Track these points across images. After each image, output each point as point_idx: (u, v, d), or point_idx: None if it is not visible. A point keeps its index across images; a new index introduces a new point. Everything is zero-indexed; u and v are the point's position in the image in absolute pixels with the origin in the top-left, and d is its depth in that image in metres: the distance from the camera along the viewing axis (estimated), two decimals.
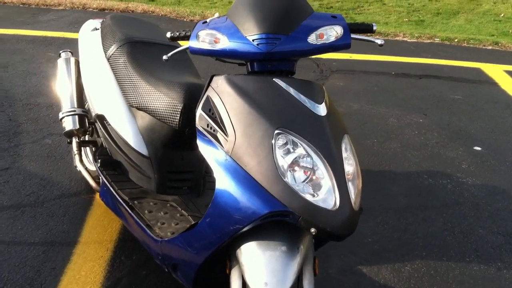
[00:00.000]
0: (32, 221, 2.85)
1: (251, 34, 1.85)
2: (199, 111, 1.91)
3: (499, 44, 7.42)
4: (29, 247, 2.66)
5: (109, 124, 2.60)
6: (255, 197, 1.68)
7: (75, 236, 2.77)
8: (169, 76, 2.53)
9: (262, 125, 1.72)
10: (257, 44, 1.84)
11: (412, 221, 3.12)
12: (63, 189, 3.14)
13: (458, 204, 3.34)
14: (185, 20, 7.54)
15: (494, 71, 6.16)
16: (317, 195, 1.67)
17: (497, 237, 3.04)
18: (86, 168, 2.82)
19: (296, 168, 1.69)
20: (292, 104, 1.78)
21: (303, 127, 1.73)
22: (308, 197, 1.65)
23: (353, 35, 1.97)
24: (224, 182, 1.75)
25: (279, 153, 1.69)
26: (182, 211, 2.39)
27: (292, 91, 1.81)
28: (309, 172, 1.68)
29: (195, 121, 1.91)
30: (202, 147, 1.85)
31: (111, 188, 2.46)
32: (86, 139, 3.00)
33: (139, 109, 2.49)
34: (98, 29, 2.97)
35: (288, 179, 1.66)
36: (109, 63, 2.70)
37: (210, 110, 1.86)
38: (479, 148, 4.13)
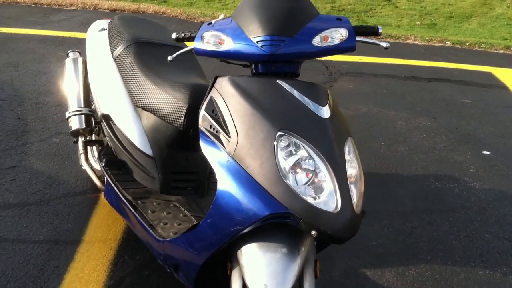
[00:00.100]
0: (37, 219, 2.86)
1: (256, 36, 1.85)
2: (202, 112, 1.91)
3: (511, 48, 7.37)
4: (33, 245, 2.68)
5: (115, 124, 2.61)
6: (256, 199, 1.68)
7: (79, 234, 2.78)
8: (175, 76, 2.54)
9: (265, 126, 1.72)
10: (261, 46, 1.83)
11: (418, 225, 3.11)
12: (69, 188, 3.15)
13: (464, 208, 3.32)
14: (195, 21, 7.54)
15: (505, 75, 6.12)
16: (319, 197, 1.66)
17: (503, 242, 3.02)
18: (91, 167, 2.83)
19: (298, 170, 1.68)
20: (295, 106, 1.78)
21: (306, 129, 1.73)
22: (309, 199, 1.65)
23: (358, 38, 1.97)
24: (225, 183, 1.75)
25: (281, 155, 1.69)
26: (185, 211, 2.39)
27: (295, 93, 1.80)
28: (311, 175, 1.68)
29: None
30: (205, 148, 1.85)
31: (115, 188, 2.47)
32: (93, 138, 3.02)
33: (144, 109, 2.50)
34: (106, 29, 2.98)
35: (290, 181, 1.66)
36: (116, 63, 2.71)
37: (213, 111, 1.86)
38: (487, 152, 4.10)
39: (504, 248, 2.97)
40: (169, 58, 2.15)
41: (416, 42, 7.42)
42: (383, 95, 5.12)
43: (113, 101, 2.64)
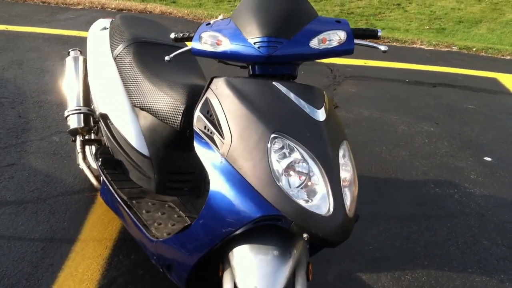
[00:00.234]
0: (33, 217, 2.86)
1: (253, 37, 1.84)
2: (197, 113, 1.91)
3: None
4: (28, 242, 2.68)
5: (112, 123, 2.61)
6: (248, 201, 1.67)
7: (75, 233, 2.78)
8: (174, 77, 2.53)
9: (259, 128, 1.71)
10: (259, 47, 1.83)
11: (415, 230, 3.09)
12: (67, 187, 3.15)
13: (463, 214, 3.30)
14: (202, 22, 7.55)
15: (511, 81, 6.09)
16: (311, 200, 1.66)
17: (501, 248, 3.00)
18: (88, 167, 2.84)
19: (292, 172, 1.68)
20: (290, 108, 1.77)
21: (300, 131, 1.72)
22: (302, 202, 1.64)
23: (356, 41, 1.96)
24: (218, 185, 1.75)
25: (274, 157, 1.68)
26: (180, 212, 2.39)
27: (291, 95, 1.79)
28: (304, 177, 1.67)
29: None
30: (199, 149, 1.85)
31: (110, 187, 2.47)
32: (92, 137, 3.02)
33: (142, 109, 2.50)
34: (107, 28, 2.98)
35: (283, 183, 1.65)
36: (116, 63, 2.71)
37: (208, 112, 1.86)
38: (489, 159, 4.08)
39: (502, 255, 2.95)
40: (167, 58, 2.15)
41: (422, 46, 7.39)
42: (386, 99, 5.11)
43: (111, 100, 2.64)
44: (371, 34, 2.00)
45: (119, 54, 2.69)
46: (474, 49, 7.39)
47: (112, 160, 2.63)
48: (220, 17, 2.12)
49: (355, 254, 2.83)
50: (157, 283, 2.48)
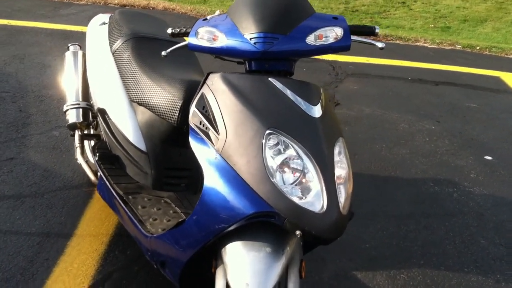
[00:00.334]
0: (30, 212, 2.86)
1: (249, 33, 1.84)
2: (192, 108, 1.91)
3: None
4: (25, 237, 2.68)
5: (110, 118, 2.61)
6: (242, 197, 1.67)
7: (71, 228, 2.78)
8: (172, 72, 2.53)
9: (254, 124, 1.71)
10: (255, 43, 1.82)
11: (413, 229, 3.08)
12: (65, 181, 3.15)
13: (462, 213, 3.29)
14: None
15: None
16: (305, 197, 1.65)
17: (499, 248, 2.99)
18: (86, 161, 2.84)
19: (286, 169, 1.67)
20: (286, 105, 1.76)
21: (295, 128, 1.72)
22: (295, 199, 1.63)
23: (353, 37, 1.95)
24: (212, 180, 1.75)
25: (269, 153, 1.67)
26: (176, 208, 2.38)
27: (287, 91, 1.79)
28: (298, 174, 1.66)
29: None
30: (194, 144, 1.85)
31: (107, 182, 2.46)
32: (91, 132, 3.02)
33: (140, 104, 2.49)
34: (107, 23, 2.98)
35: (277, 180, 1.64)
36: (114, 58, 2.71)
37: (204, 107, 1.85)
38: (490, 158, 4.06)
39: (499, 254, 2.94)
40: (163, 53, 2.15)
41: (426, 44, 7.37)
42: (388, 97, 5.09)
43: (109, 95, 2.64)
44: (369, 31, 2.00)
45: (117, 49, 2.69)
46: (477, 48, 7.36)
47: (109, 155, 2.63)
48: (217, 12, 2.12)
49: (352, 252, 2.83)
50: (152, 279, 2.49)
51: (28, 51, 5.24)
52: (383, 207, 3.26)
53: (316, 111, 1.79)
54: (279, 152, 1.68)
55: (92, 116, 2.92)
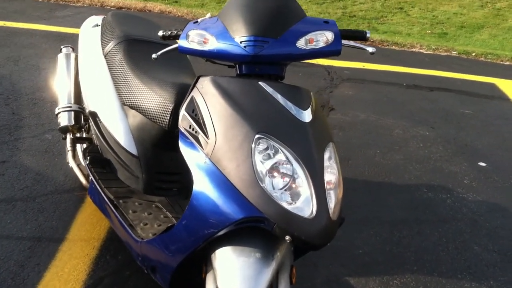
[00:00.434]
0: (22, 216, 2.85)
1: (239, 36, 1.83)
2: (182, 112, 1.90)
3: None
4: (16, 241, 2.66)
5: (101, 121, 2.59)
6: (231, 202, 1.66)
7: (63, 232, 2.77)
8: (164, 75, 2.52)
9: (243, 128, 1.70)
10: (245, 47, 1.82)
11: (406, 235, 3.07)
12: (57, 185, 3.13)
13: (455, 219, 3.28)
14: None
15: (509, 87, 6.07)
16: (295, 203, 1.64)
17: (492, 255, 2.98)
18: (78, 165, 2.82)
19: (276, 174, 1.66)
20: (276, 109, 1.76)
21: (285, 132, 1.71)
22: (285, 204, 1.62)
23: (344, 42, 1.95)
24: (201, 185, 1.74)
25: (258, 158, 1.66)
26: (167, 212, 2.37)
27: (277, 95, 1.78)
28: (288, 179, 1.66)
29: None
30: (183, 148, 1.84)
31: (97, 186, 2.45)
32: (83, 135, 3.01)
33: (131, 107, 2.48)
34: (99, 25, 2.97)
35: (266, 185, 1.64)
36: (106, 60, 2.69)
37: (194, 111, 1.84)
38: (483, 164, 4.06)
39: (492, 261, 2.93)
40: (154, 55, 2.14)
41: (421, 50, 7.37)
42: (382, 103, 5.09)
43: (100, 98, 2.62)
44: (360, 36, 1.99)
45: (109, 51, 2.68)
46: (473, 54, 7.36)
47: (100, 159, 2.62)
48: (208, 15, 2.11)
49: (344, 258, 2.82)
50: (143, 284, 2.47)
51: (22, 53, 5.22)
52: (376, 213, 3.25)
53: (306, 116, 1.78)
54: (269, 157, 1.67)
55: (84, 119, 2.90)
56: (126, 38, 2.72)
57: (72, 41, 5.59)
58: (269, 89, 1.79)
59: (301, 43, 1.86)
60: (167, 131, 2.36)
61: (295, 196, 1.65)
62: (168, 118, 2.30)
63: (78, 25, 6.26)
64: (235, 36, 1.84)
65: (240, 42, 1.82)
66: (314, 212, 1.64)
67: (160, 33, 2.17)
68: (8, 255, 2.57)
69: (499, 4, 10.24)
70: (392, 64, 6.38)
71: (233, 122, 1.72)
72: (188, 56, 2.77)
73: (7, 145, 3.49)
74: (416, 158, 4.03)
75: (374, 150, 4.07)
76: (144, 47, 2.72)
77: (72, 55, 3.07)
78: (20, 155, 3.39)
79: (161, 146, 2.48)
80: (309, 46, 1.87)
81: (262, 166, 1.65)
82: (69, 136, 2.90)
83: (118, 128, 2.52)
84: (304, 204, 1.64)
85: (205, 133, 1.76)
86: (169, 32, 2.15)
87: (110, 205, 2.35)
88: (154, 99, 2.36)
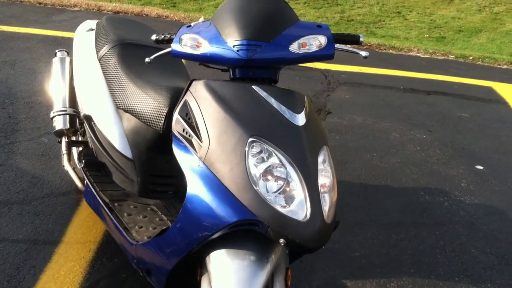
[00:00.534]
0: (18, 219, 2.84)
1: (232, 40, 1.83)
2: (176, 115, 1.90)
3: None
4: (12, 244, 2.65)
5: (96, 125, 2.59)
6: (225, 205, 1.66)
7: (59, 235, 2.76)
8: (158, 79, 2.52)
9: (237, 132, 1.70)
10: (238, 50, 1.81)
11: (403, 237, 3.07)
12: (53, 188, 3.13)
13: (452, 222, 3.28)
14: None
15: (506, 90, 6.08)
16: (289, 206, 1.64)
17: (489, 257, 2.98)
18: (74, 168, 2.81)
19: (269, 177, 1.66)
20: (269, 112, 1.75)
21: (278, 136, 1.71)
22: (279, 207, 1.62)
23: (338, 46, 1.95)
24: (195, 188, 1.73)
25: (252, 161, 1.66)
26: (162, 215, 2.37)
27: (270, 99, 1.78)
28: (282, 182, 1.65)
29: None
30: (177, 152, 1.83)
31: (93, 190, 2.44)
32: (79, 139, 3.00)
33: (125, 111, 2.48)
34: (94, 29, 2.97)
35: (260, 188, 1.63)
36: (100, 64, 2.69)
37: (187, 114, 1.84)
38: (481, 167, 4.06)
39: (490, 264, 2.93)
40: (147, 59, 2.14)
41: (419, 54, 7.38)
42: (379, 107, 5.08)
43: (95, 101, 2.62)
44: (353, 40, 2.00)
45: (104, 55, 2.68)
46: (470, 58, 7.37)
47: (95, 162, 2.62)
48: (201, 19, 2.11)
49: (341, 261, 2.81)
50: (139, 287, 2.46)
51: (19, 57, 5.21)
52: (373, 216, 3.24)
53: (300, 119, 1.78)
54: (262, 160, 1.67)
55: (79, 122, 2.90)
56: (120, 42, 2.71)
57: (68, 45, 5.57)
58: (262, 93, 1.79)
59: (294, 47, 1.86)
60: (162, 135, 2.36)
61: (289, 199, 1.65)
62: (163, 121, 2.30)
63: (74, 30, 6.23)
64: (228, 40, 1.84)
65: (233, 46, 1.82)
66: (308, 215, 1.63)
67: (154, 37, 2.17)
68: (4, 257, 2.56)
69: (497, 8, 10.28)
70: (389, 68, 6.39)
71: (226, 126, 1.72)
72: (183, 60, 2.77)
73: (3, 148, 3.49)
74: (413, 162, 4.02)
75: (371, 154, 4.07)
76: (138, 51, 2.72)
77: (67, 59, 3.06)
78: (16, 159, 3.39)
79: (155, 149, 2.47)
80: (302, 50, 1.87)
81: (256, 170, 1.65)
82: (64, 140, 2.90)
83: (113, 131, 2.51)
84: (298, 207, 1.64)
85: (199, 136, 1.76)
86: (162, 36, 2.15)
87: (105, 208, 2.35)
88: (149, 102, 2.36)
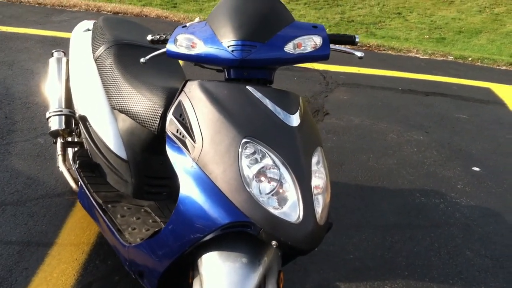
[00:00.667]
0: (11, 220, 2.83)
1: (227, 40, 1.83)
2: (169, 116, 1.89)
3: None
4: (5, 245, 2.65)
5: (91, 125, 2.58)
6: (217, 206, 1.65)
7: (52, 237, 2.75)
8: (154, 79, 2.51)
9: (230, 133, 1.70)
10: (232, 51, 1.81)
11: (398, 239, 3.06)
12: (48, 189, 3.12)
13: (448, 224, 3.27)
14: None
15: (505, 91, 6.06)
16: (281, 207, 1.63)
17: (484, 260, 2.97)
18: (69, 169, 2.81)
19: (263, 178, 1.65)
20: (263, 113, 1.75)
21: (272, 137, 1.70)
22: (271, 209, 1.61)
23: (333, 46, 1.95)
24: (188, 189, 1.73)
25: (245, 162, 1.66)
26: (156, 217, 2.36)
27: (264, 100, 1.78)
28: (275, 184, 1.65)
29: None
30: (170, 152, 1.83)
31: (86, 191, 2.44)
32: (75, 140, 3.00)
33: (121, 111, 2.47)
34: (90, 30, 2.96)
35: (253, 189, 1.63)
36: (96, 64, 2.68)
37: (181, 115, 1.84)
38: (477, 169, 4.05)
39: (484, 266, 2.92)
40: (142, 60, 2.13)
41: (418, 55, 7.36)
42: (377, 107, 5.07)
43: (90, 102, 2.61)
44: (349, 40, 1.99)
45: (100, 55, 2.67)
46: (470, 59, 7.35)
47: (90, 163, 2.61)
48: (197, 19, 2.11)
49: (336, 263, 2.80)
50: None
51: (17, 58, 5.21)
52: (369, 218, 3.24)
53: (294, 120, 1.77)
54: (256, 161, 1.67)
55: (75, 123, 2.89)
56: (116, 42, 2.71)
57: (67, 45, 5.57)
58: (257, 93, 1.79)
59: (289, 48, 1.85)
60: (157, 135, 2.35)
61: (282, 200, 1.64)
62: (158, 122, 2.29)
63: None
64: (222, 40, 1.84)
65: (228, 47, 1.82)
66: (301, 217, 1.63)
67: (149, 37, 2.16)
68: None
69: (497, 9, 10.26)
70: (388, 69, 6.37)
71: (220, 127, 1.72)
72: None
73: None
74: (410, 163, 4.02)
75: (367, 155, 4.06)
76: (134, 51, 2.71)
77: (64, 60, 3.06)
78: (11, 159, 3.38)
79: (150, 150, 2.46)
80: (297, 51, 1.86)
81: (249, 171, 1.65)
82: (59, 140, 2.89)
83: (108, 132, 2.51)
84: (291, 209, 1.64)
85: (192, 137, 1.76)
86: (158, 37, 2.14)
87: (99, 210, 2.34)
88: (144, 103, 2.35)
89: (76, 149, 2.95)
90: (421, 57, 7.30)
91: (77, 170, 2.55)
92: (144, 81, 2.46)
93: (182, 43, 1.94)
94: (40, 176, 3.24)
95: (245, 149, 1.67)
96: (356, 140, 4.30)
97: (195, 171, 1.72)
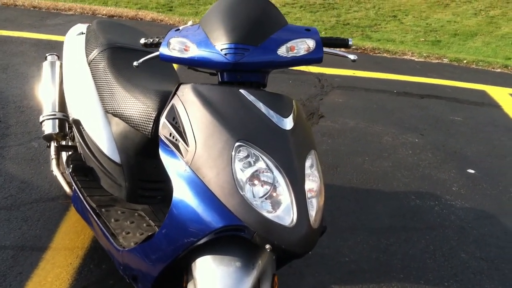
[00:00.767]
0: (5, 224, 2.82)
1: (220, 44, 1.83)
2: (162, 119, 1.89)
3: (509, 67, 7.28)
4: None
5: (84, 129, 2.57)
6: (211, 210, 1.65)
7: (46, 241, 2.75)
8: (147, 83, 2.51)
9: (223, 136, 1.70)
10: (225, 54, 1.81)
11: (393, 242, 3.06)
12: (42, 194, 3.11)
13: (443, 226, 3.27)
14: None
15: (499, 94, 6.06)
16: (275, 211, 1.63)
17: (479, 262, 2.97)
18: (62, 173, 2.80)
19: (256, 182, 1.65)
20: (257, 117, 1.75)
21: (265, 140, 1.70)
22: (265, 212, 1.61)
23: (326, 49, 1.94)
24: (181, 193, 1.73)
25: (238, 166, 1.66)
26: (150, 221, 2.35)
27: (257, 103, 1.78)
28: (268, 187, 1.65)
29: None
30: (163, 156, 1.83)
31: (80, 195, 2.43)
32: (68, 143, 2.99)
33: (114, 115, 2.46)
34: (84, 33, 2.96)
35: (246, 193, 1.63)
36: (90, 68, 2.68)
37: (174, 118, 1.84)
38: (472, 171, 4.05)
39: (479, 268, 2.92)
40: (135, 63, 2.13)
41: (413, 58, 7.36)
42: (372, 110, 5.07)
43: (84, 105, 2.61)
44: (342, 43, 1.99)
45: (93, 59, 2.67)
46: (464, 62, 7.36)
47: (83, 167, 2.60)
48: (190, 23, 2.11)
49: (331, 266, 2.80)
50: None
51: (12, 61, 5.20)
52: (364, 220, 3.23)
53: (287, 123, 1.77)
54: (249, 165, 1.67)
55: (68, 127, 2.89)
56: (110, 46, 2.70)
57: (61, 49, 5.57)
58: (250, 96, 1.79)
59: (282, 51, 1.85)
60: (151, 139, 2.35)
61: (275, 204, 1.64)
62: (151, 125, 2.29)
63: None
64: (216, 43, 1.84)
65: (221, 50, 1.82)
66: (295, 220, 1.63)
67: (142, 40, 2.16)
68: None
69: (492, 12, 10.28)
70: (383, 72, 6.38)
71: (213, 130, 1.72)
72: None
73: None
74: (405, 165, 4.02)
75: (362, 158, 4.06)
76: (128, 54, 2.71)
77: (57, 63, 3.05)
78: (5, 163, 3.37)
79: (144, 154, 2.46)
80: (290, 54, 1.86)
81: (242, 174, 1.65)
82: (53, 144, 2.88)
83: (101, 136, 2.50)
84: (285, 213, 1.64)
85: (185, 141, 1.75)
86: (151, 40, 2.14)
87: (93, 214, 2.33)
88: (138, 106, 2.34)
89: (70, 153, 2.95)
90: (416, 59, 7.30)
91: (70, 174, 2.55)
92: (138, 85, 2.45)
93: (175, 47, 1.94)
94: (34, 180, 3.24)
95: (238, 152, 1.67)
96: (351, 142, 4.30)
97: (188, 175, 1.71)
